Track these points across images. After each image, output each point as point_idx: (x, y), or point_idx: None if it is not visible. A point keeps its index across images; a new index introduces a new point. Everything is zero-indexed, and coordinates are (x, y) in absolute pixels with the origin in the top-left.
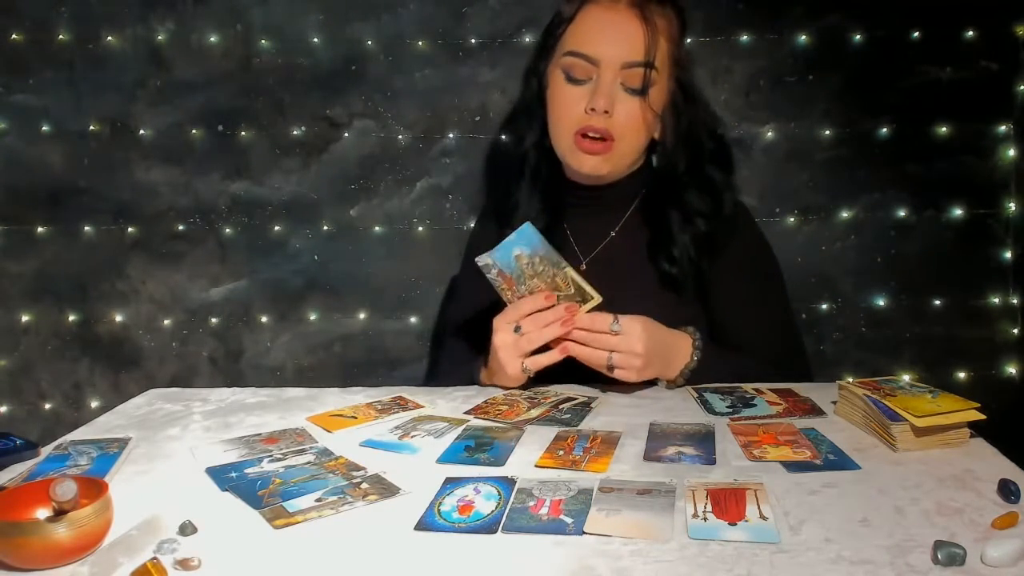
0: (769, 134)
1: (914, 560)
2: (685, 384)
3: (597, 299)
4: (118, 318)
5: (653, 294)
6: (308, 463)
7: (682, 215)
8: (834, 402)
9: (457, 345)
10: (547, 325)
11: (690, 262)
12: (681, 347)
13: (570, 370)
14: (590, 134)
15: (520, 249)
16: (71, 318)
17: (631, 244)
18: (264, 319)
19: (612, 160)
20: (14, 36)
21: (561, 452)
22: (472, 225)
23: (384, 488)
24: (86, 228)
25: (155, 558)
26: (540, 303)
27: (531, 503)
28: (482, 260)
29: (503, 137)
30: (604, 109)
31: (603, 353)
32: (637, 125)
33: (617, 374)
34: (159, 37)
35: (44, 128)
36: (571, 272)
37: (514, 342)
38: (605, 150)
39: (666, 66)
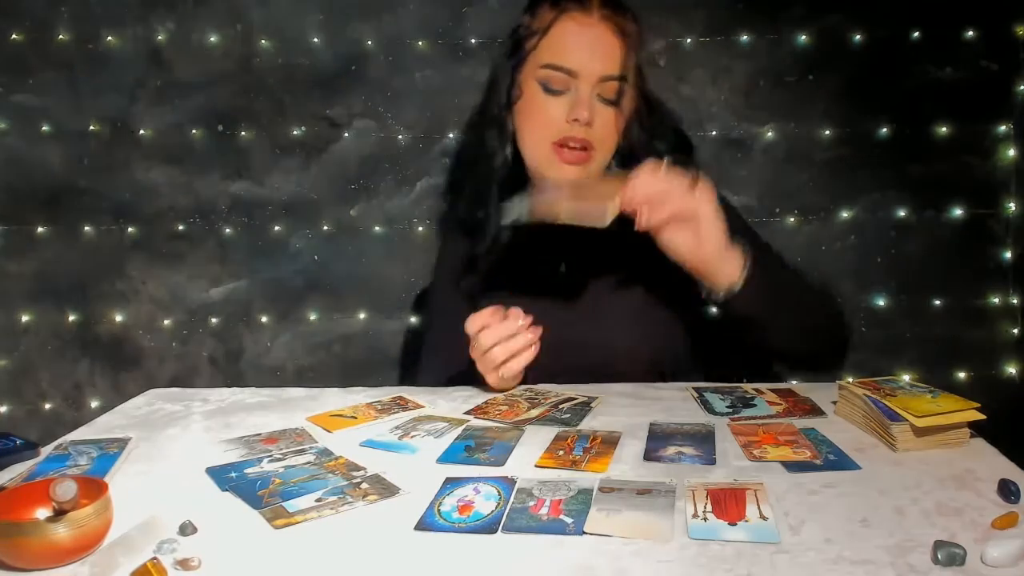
0: (769, 134)
1: (914, 560)
2: (731, 296)
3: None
4: (118, 318)
5: (631, 288)
6: (308, 463)
7: None
8: (834, 402)
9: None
10: (510, 337)
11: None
12: (735, 253)
13: (569, 369)
14: (571, 144)
15: None
16: (71, 318)
17: (602, 242)
18: (264, 319)
19: (589, 169)
20: (14, 36)
21: (561, 452)
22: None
23: (384, 488)
24: (86, 228)
25: (155, 558)
26: (488, 319)
27: (531, 503)
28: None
29: (466, 144)
30: (587, 121)
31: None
32: (612, 134)
33: (700, 184)
34: (159, 37)
35: (44, 128)
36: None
37: (480, 357)
38: (585, 160)
39: (632, 76)
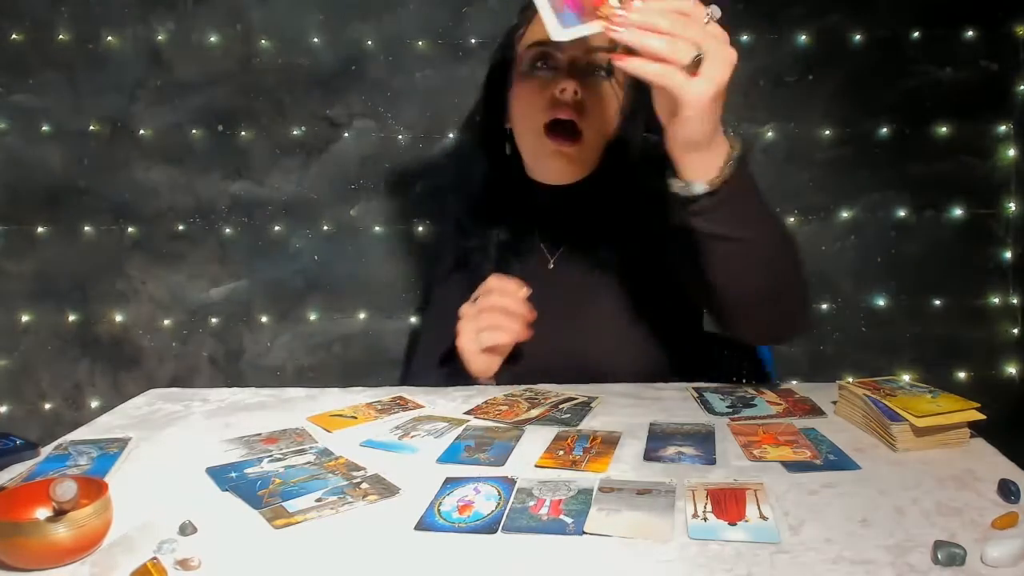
0: (769, 134)
1: (914, 560)
2: (719, 190)
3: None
4: (118, 318)
5: (620, 285)
6: (308, 463)
7: (630, 196)
8: (834, 402)
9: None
10: (507, 311)
11: (642, 232)
12: (711, 162)
13: (568, 368)
14: (560, 116)
15: None
16: (71, 318)
17: (594, 239)
18: (264, 319)
19: (583, 152)
20: (14, 36)
21: (561, 452)
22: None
23: (384, 488)
24: (86, 228)
25: (155, 558)
26: (507, 284)
27: (531, 503)
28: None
29: (462, 142)
30: (574, 89)
31: (687, 47)
32: (604, 112)
33: (704, 74)
34: (159, 37)
35: (44, 128)
36: None
37: (473, 315)
38: (575, 142)
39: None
